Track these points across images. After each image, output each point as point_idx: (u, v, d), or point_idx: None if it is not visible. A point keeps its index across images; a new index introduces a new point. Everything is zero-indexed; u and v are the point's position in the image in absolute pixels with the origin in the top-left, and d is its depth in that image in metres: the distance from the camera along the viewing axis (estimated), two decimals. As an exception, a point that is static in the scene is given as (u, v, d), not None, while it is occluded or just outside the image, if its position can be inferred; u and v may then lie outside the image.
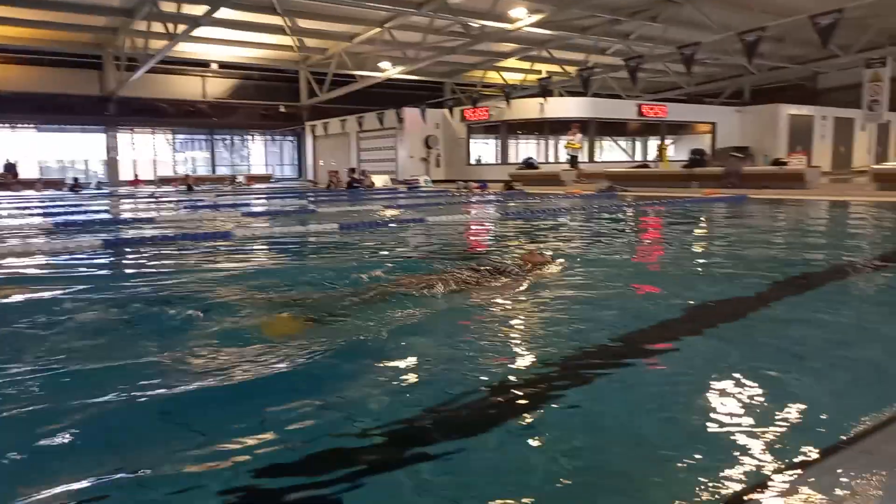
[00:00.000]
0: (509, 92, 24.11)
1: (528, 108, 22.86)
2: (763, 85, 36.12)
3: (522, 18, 19.81)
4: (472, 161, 24.92)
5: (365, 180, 19.96)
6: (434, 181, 20.46)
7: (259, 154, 32.28)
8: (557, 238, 6.53)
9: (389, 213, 10.52)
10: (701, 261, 5.11)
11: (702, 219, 8.93)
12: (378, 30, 24.33)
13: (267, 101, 31.27)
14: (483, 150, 26.34)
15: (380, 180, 20.75)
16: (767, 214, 8.91)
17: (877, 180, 12.17)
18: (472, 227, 8.37)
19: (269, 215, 10.25)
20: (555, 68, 30.52)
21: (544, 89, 23.49)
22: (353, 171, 20.56)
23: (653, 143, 26.96)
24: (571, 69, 30.46)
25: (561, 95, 33.38)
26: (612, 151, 28.36)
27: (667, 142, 24.28)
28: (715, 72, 33.69)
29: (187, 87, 29.91)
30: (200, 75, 30.10)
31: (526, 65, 30.69)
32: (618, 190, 13.36)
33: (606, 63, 30.41)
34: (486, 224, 8.68)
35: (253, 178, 29.11)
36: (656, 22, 23.55)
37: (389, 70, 26.24)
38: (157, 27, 21.74)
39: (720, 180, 14.34)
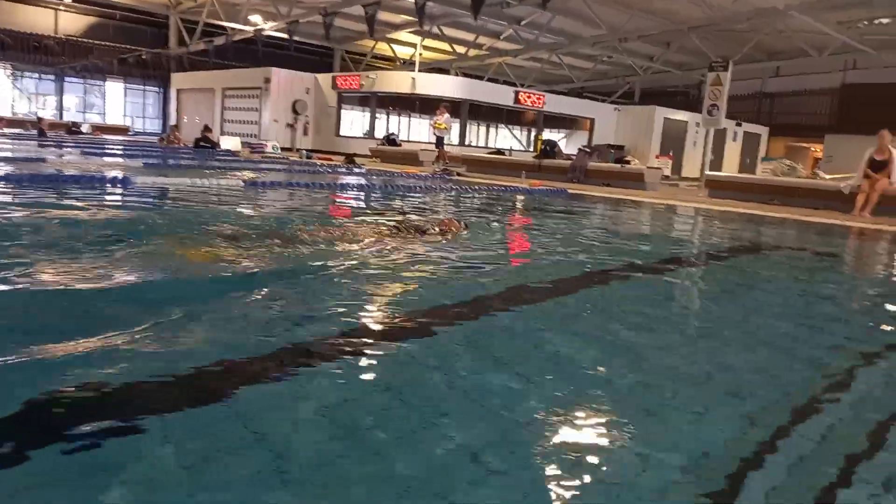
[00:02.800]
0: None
1: (399, 82, 21.58)
2: (653, 88, 36.64)
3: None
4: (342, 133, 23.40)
5: (213, 140, 18.08)
6: (307, 151, 18.74)
7: (118, 103, 29.33)
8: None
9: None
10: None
11: (497, 207, 7.98)
12: (251, -22, 22.43)
13: (130, 45, 28.42)
14: (359, 121, 24.88)
15: (229, 142, 18.90)
16: (563, 209, 8.08)
17: (709, 186, 11.76)
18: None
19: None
20: (445, 46, 29.48)
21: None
22: (206, 129, 18.55)
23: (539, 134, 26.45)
24: (461, 49, 29.53)
25: (457, 75, 32.48)
26: (506, 140, 27.47)
27: (543, 134, 23.67)
28: (607, 70, 33.76)
29: (36, 19, 26.68)
30: (53, 7, 26.93)
31: (416, 39, 29.43)
32: (452, 173, 12.36)
33: (502, 48, 29.75)
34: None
35: (103, 129, 26.33)
36: (546, 10, 22.85)
37: (260, 24, 24.26)
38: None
39: (567, 174, 13.69)
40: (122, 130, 27.62)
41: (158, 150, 16.48)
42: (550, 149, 14.34)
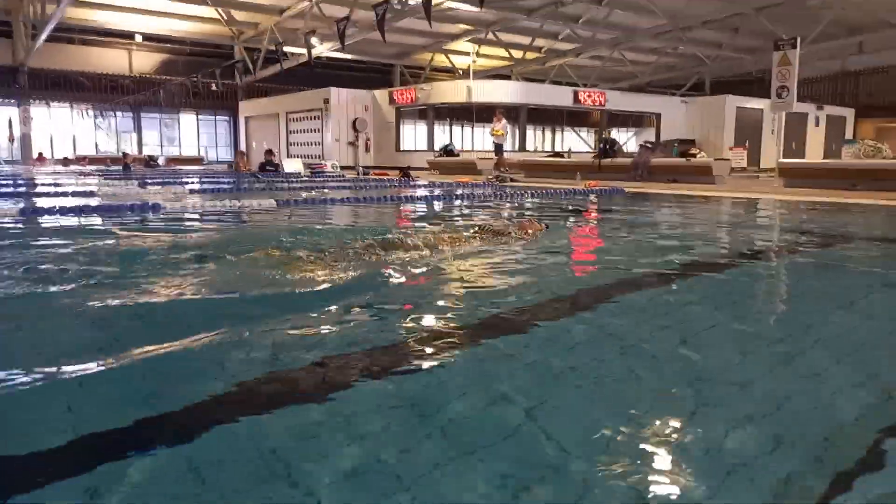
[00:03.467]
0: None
1: (454, 92, 21.43)
2: (726, 77, 35.00)
3: (443, -8, 18.40)
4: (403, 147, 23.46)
5: (278, 163, 18.59)
6: (364, 167, 18.91)
7: (191, 134, 30.59)
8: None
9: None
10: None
11: (551, 210, 7.61)
12: (307, 3, 22.90)
13: (199, 77, 29.60)
14: (420, 134, 24.89)
15: (291, 165, 19.27)
16: (615, 208, 7.60)
17: (783, 176, 10.91)
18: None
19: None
20: (502, 52, 29.19)
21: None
22: (269, 152, 19.08)
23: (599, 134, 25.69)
24: (518, 53, 29.16)
25: (517, 80, 32.12)
26: (570, 142, 26.81)
27: (611, 133, 22.94)
28: (674, 62, 32.52)
29: (112, 60, 28.21)
30: (125, 48, 28.42)
31: (473, 48, 29.28)
32: (506, 179, 12.04)
33: (561, 49, 29.17)
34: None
35: (179, 160, 27.52)
36: (601, 5, 22.22)
37: (318, 47, 24.69)
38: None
39: (629, 172, 13.10)
40: (195, 161, 28.76)
41: (224, 175, 16.98)
42: (610, 147, 13.76)
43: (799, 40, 10.80)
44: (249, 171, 18.29)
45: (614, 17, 22.97)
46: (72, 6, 23.50)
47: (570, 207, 7.91)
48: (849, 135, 26.07)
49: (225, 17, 25.53)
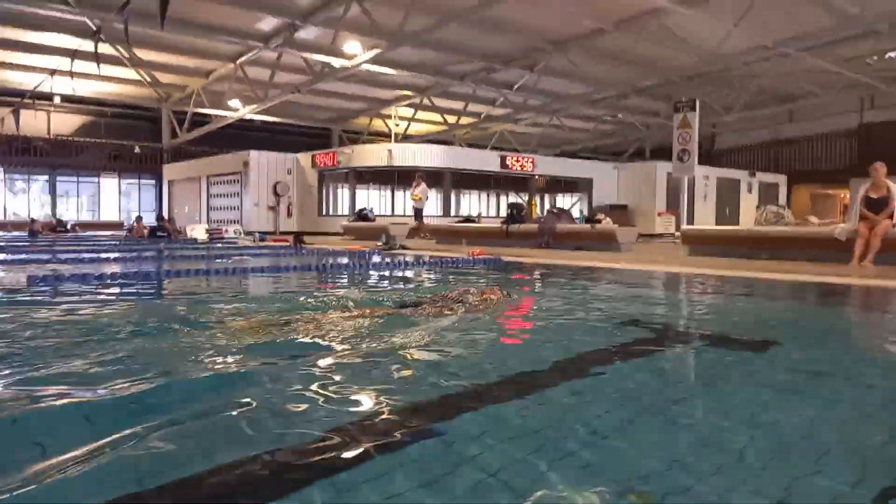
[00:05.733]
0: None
1: (376, 155, 20.63)
2: (665, 143, 35.27)
3: (357, 55, 17.78)
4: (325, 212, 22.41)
5: (170, 228, 17.36)
6: (262, 234, 17.71)
7: (112, 199, 29.14)
8: None
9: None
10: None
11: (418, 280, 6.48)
12: (231, 66, 22.18)
13: (125, 140, 28.48)
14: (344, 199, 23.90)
15: (197, 231, 18.03)
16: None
17: (686, 243, 10.04)
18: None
19: None
20: (437, 118, 28.81)
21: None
22: (161, 218, 18.12)
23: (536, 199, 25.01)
24: (453, 118, 28.79)
25: (460, 146, 31.71)
26: (495, 208, 26.03)
27: (536, 199, 22.27)
28: (614, 129, 32.62)
29: (29, 122, 26.92)
30: (45, 110, 27.21)
31: (409, 113, 28.88)
32: (396, 246, 10.97)
33: (496, 115, 28.93)
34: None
35: (97, 225, 26.00)
36: (532, 71, 21.94)
37: (241, 109, 23.90)
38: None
39: (537, 238, 12.19)
40: (115, 226, 27.25)
41: (116, 243, 15.64)
42: (517, 213, 12.89)
43: (698, 102, 10.16)
44: (142, 237, 17.04)
45: (546, 83, 22.72)
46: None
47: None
48: (782, 201, 25.97)
49: (148, 80, 24.66)
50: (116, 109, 28.04)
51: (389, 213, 21.37)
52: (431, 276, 7.19)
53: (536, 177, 23.33)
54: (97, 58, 15.17)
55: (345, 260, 9.22)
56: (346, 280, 6.86)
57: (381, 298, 4.71)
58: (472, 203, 25.19)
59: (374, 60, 18.59)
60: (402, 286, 6.23)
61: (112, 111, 28.07)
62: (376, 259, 9.42)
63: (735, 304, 5.13)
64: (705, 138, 33.41)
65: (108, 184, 29.06)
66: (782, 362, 2.86)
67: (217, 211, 23.76)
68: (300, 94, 24.08)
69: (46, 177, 27.49)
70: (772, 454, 1.66)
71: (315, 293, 5.11)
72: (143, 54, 21.60)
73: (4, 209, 26.22)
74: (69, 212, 28.17)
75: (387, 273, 7.64)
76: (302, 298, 4.54)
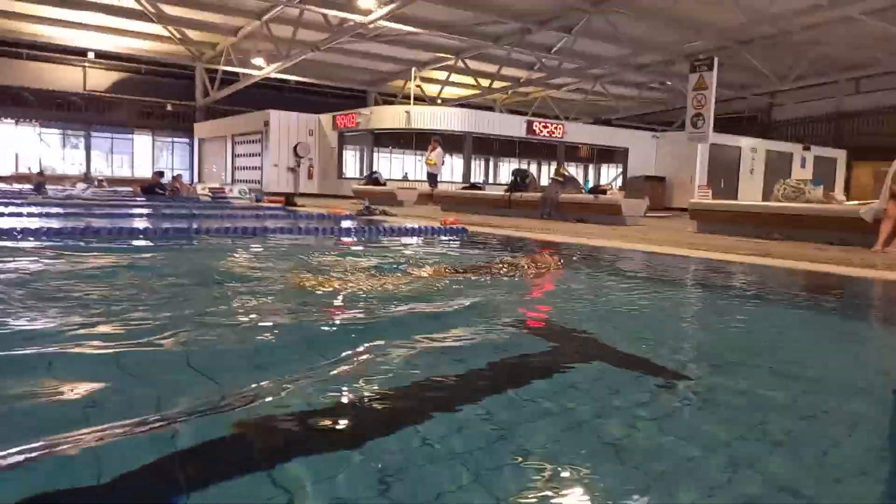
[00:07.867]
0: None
1: (395, 118, 19.76)
2: (717, 114, 33.14)
3: (373, 10, 16.89)
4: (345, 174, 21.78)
5: (169, 186, 17.24)
6: (259, 194, 17.17)
7: (146, 156, 29.26)
8: None
9: None
10: None
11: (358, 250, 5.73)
12: (257, 23, 21.65)
13: (157, 98, 28.44)
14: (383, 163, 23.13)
15: (201, 189, 17.82)
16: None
17: (694, 219, 8.91)
18: None
19: None
20: (471, 81, 27.66)
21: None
22: (158, 174, 18.14)
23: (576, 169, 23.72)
24: (486, 82, 27.58)
25: (500, 112, 30.53)
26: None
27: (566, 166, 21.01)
28: (663, 97, 30.79)
29: (64, 77, 27.11)
30: (80, 65, 27.32)
31: (444, 76, 27.85)
32: (374, 212, 10.22)
33: (534, 79, 27.56)
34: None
35: (124, 181, 26.08)
36: (569, 34, 20.59)
37: (266, 68, 23.37)
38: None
39: (539, 208, 11.24)
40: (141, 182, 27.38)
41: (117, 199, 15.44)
42: (521, 180, 11.91)
43: (717, 60, 8.91)
44: (137, 193, 16.94)
45: (582, 44, 21.31)
46: (21, 21, 22.52)
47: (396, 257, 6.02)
48: (840, 177, 24.00)
49: (178, 36, 24.38)
50: (150, 66, 27.96)
51: (412, 176, 20.55)
52: (371, 248, 6.39)
53: (569, 145, 22.09)
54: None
55: (315, 224, 8.53)
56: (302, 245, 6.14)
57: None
58: (500, 170, 24.09)
59: (394, 18, 17.71)
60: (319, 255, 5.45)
61: (146, 68, 27.99)
62: (345, 224, 8.70)
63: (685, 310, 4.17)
64: (763, 110, 31.23)
65: (142, 141, 29.15)
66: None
67: (241, 171, 23.46)
68: (335, 55, 23.38)
69: (81, 133, 27.73)
70: None
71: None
72: (171, 10, 21.27)
73: (40, 163, 26.59)
74: (104, 169, 28.41)
75: (332, 241, 6.90)
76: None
